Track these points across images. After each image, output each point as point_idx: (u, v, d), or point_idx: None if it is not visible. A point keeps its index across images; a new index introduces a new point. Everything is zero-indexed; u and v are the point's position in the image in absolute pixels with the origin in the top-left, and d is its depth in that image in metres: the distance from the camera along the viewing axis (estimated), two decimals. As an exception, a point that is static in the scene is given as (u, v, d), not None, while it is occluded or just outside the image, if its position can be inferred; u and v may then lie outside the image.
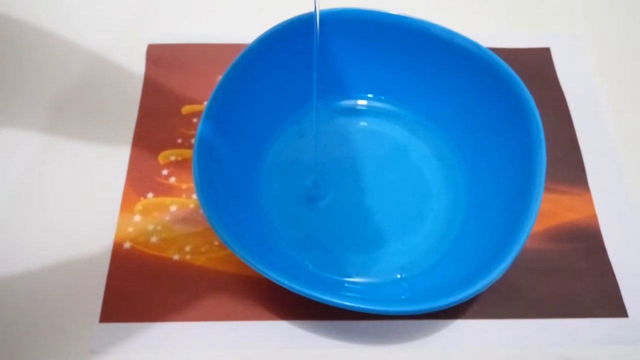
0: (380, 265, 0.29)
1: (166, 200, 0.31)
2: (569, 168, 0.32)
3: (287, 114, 0.33)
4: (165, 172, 0.32)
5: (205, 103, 0.29)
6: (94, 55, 0.37)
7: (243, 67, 0.29)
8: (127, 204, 0.31)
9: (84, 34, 0.37)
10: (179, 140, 0.33)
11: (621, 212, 0.31)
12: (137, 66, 0.36)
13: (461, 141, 0.32)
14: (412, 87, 0.33)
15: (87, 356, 0.26)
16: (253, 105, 0.31)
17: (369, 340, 0.27)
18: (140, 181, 0.31)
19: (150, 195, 0.31)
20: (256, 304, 0.28)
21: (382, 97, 0.34)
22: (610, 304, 0.28)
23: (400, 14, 0.31)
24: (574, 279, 0.29)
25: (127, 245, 0.29)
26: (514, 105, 0.28)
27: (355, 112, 0.34)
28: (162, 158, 0.32)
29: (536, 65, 0.36)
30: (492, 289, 0.25)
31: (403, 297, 0.27)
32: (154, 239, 0.30)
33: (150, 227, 0.30)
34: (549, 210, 0.31)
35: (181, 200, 0.31)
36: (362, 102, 0.34)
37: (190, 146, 0.33)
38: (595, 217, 0.31)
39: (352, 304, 0.24)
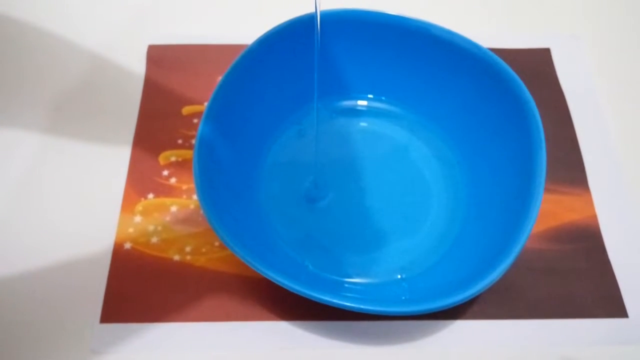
0: (380, 266, 0.29)
1: (167, 200, 0.31)
2: (569, 168, 0.32)
3: (287, 115, 0.33)
4: (165, 172, 0.32)
5: (206, 104, 0.29)
6: (94, 55, 0.37)
7: (243, 68, 0.29)
8: (128, 204, 0.31)
9: (84, 34, 0.37)
10: (180, 141, 0.33)
11: (621, 212, 0.31)
12: (138, 66, 0.36)
13: (461, 141, 0.32)
14: (412, 88, 0.33)
15: (88, 356, 0.26)
16: (253, 105, 0.31)
17: (369, 340, 0.27)
18: (140, 182, 0.31)
19: (150, 195, 0.31)
20: (256, 304, 0.28)
21: (383, 98, 0.34)
22: (610, 304, 0.28)
23: (401, 15, 0.31)
24: (574, 279, 0.29)
25: (127, 245, 0.29)
26: (514, 105, 0.28)
27: (355, 112, 0.34)
28: (162, 159, 0.32)
29: (536, 66, 0.36)
30: (492, 289, 0.25)
31: (403, 297, 0.27)
32: (154, 240, 0.30)
33: (151, 227, 0.30)
34: (549, 210, 0.31)
35: (182, 201, 0.31)
36: (362, 103, 0.34)
37: (190, 147, 0.33)
38: (595, 217, 0.31)
39: (352, 305, 0.24)
